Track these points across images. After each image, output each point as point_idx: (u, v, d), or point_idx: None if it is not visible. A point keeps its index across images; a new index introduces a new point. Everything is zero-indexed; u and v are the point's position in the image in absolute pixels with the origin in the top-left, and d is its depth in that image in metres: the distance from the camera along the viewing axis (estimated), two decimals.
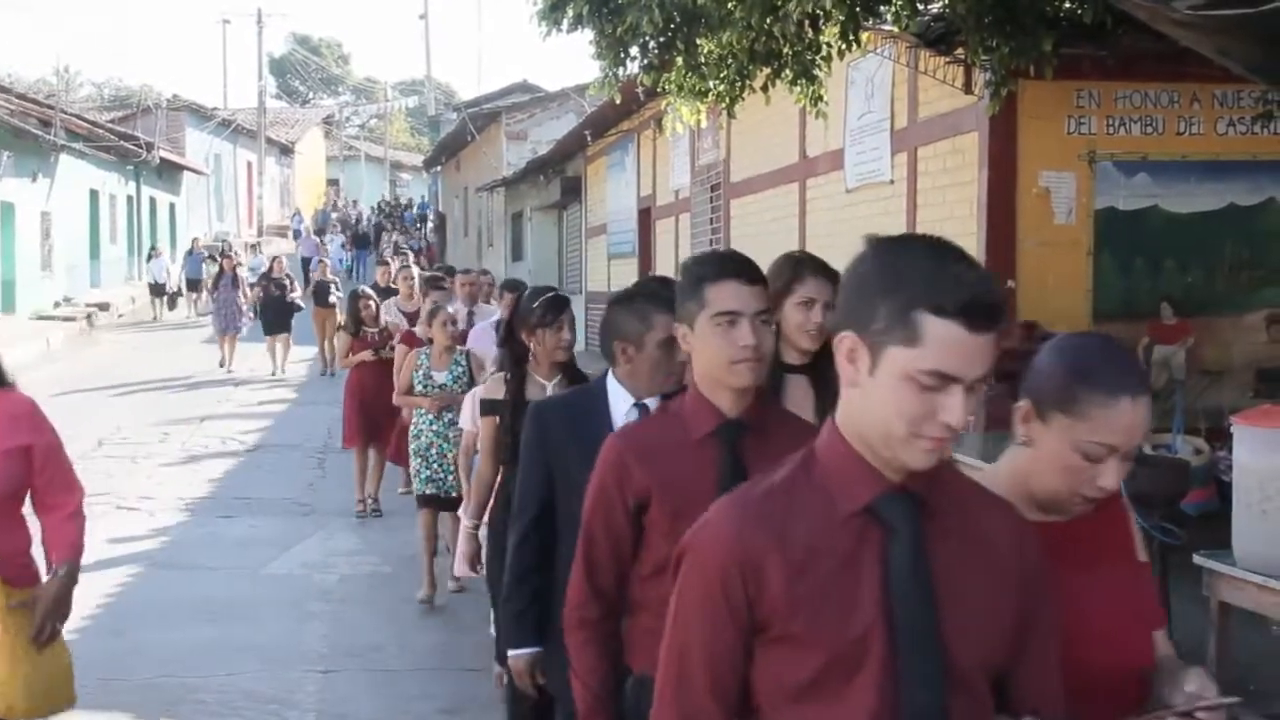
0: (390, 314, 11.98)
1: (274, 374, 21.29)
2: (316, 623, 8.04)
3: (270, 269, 23.05)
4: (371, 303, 11.47)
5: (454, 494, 8.14)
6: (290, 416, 17.18)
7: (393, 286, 14.03)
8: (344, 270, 37.41)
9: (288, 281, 22.14)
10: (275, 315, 21.68)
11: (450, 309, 9.32)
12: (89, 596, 8.41)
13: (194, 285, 31.89)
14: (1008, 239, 9.00)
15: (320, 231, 44.44)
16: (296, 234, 48.28)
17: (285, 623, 8.02)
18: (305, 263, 31.82)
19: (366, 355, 11.07)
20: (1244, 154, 9.06)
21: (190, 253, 33.36)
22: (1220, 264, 9.14)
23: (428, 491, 8.47)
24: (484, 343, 8.70)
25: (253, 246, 38.15)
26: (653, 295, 3.49)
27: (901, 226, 10.41)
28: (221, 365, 21.98)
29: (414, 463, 8.63)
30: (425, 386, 8.58)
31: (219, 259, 24.70)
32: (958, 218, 9.51)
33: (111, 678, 6.86)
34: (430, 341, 8.86)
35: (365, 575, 9.11)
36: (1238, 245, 9.13)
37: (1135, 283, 9.09)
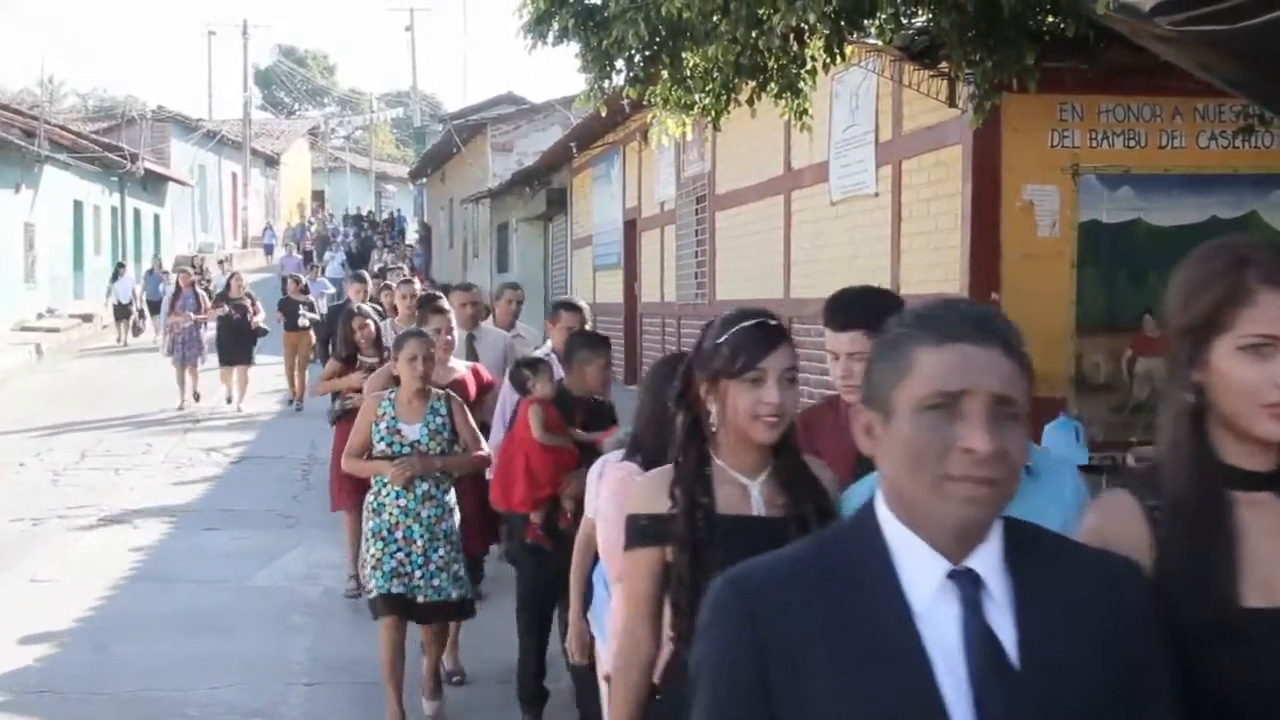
0: (390, 341, 9.67)
1: (229, 403, 18.72)
2: (300, 635, 8.02)
3: (228, 288, 19.50)
4: (370, 323, 9.30)
5: (439, 597, 6.25)
6: (274, 428, 17.14)
7: (375, 305, 12.23)
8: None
9: (248, 303, 18.78)
10: (233, 342, 18.46)
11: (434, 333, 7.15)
12: (72, 609, 8.40)
13: (155, 308, 26.90)
14: (992, 252, 9.03)
15: (304, 251, 41.89)
16: (268, 249, 48.04)
17: (269, 635, 7.99)
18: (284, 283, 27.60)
19: (354, 380, 8.83)
20: (1225, 167, 9.10)
21: (150, 272, 30.69)
22: None
23: (392, 590, 6.15)
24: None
25: (221, 263, 36.57)
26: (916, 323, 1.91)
27: (886, 239, 10.44)
28: (180, 408, 18.70)
29: (370, 549, 6.25)
30: (390, 444, 6.26)
31: (174, 274, 21.59)
32: (942, 230, 9.54)
33: (94, 691, 6.85)
34: (396, 382, 6.47)
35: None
36: None
37: (1119, 295, 9.12)
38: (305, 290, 19.64)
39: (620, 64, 7.92)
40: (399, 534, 6.18)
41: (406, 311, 9.60)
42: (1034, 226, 9.04)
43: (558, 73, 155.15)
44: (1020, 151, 8.99)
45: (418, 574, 6.17)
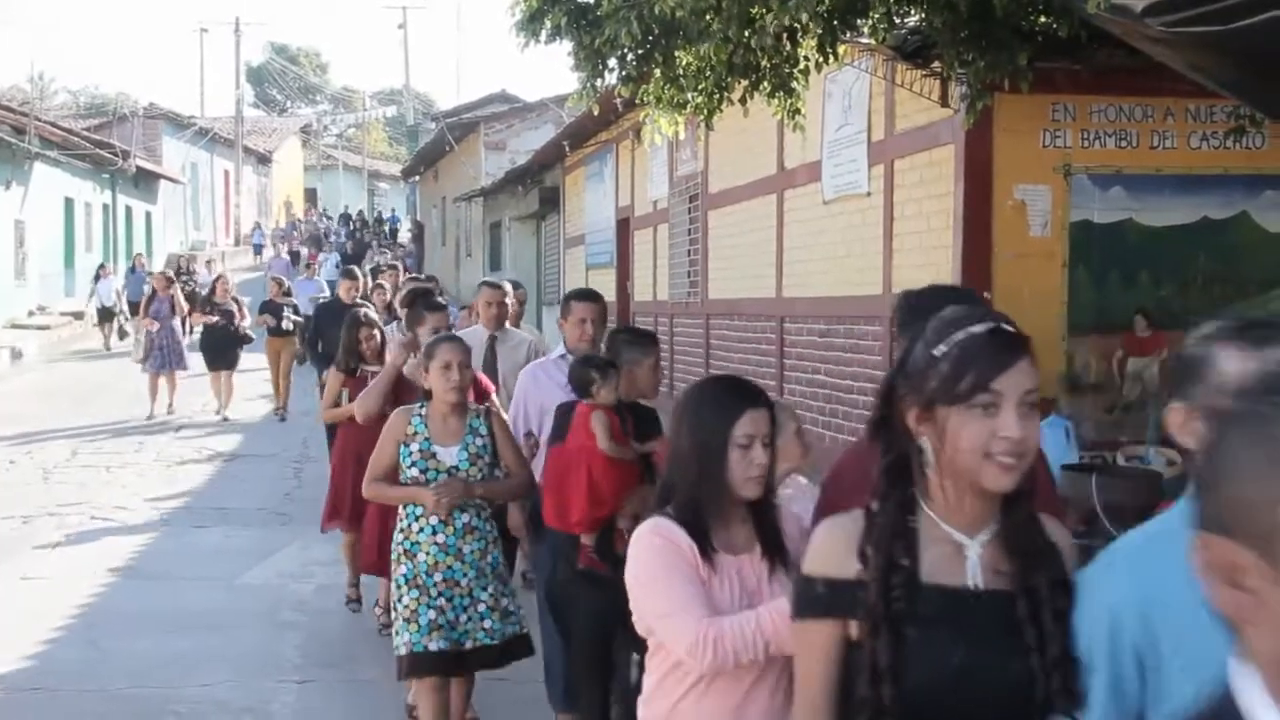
0: (394, 347, 8.29)
1: (217, 411, 17.76)
2: (292, 633, 8.02)
3: (213, 291, 18.58)
4: (376, 333, 8.40)
5: (493, 640, 5.47)
6: (266, 427, 17.13)
7: (368, 299, 12.08)
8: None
9: (234, 307, 17.93)
10: (219, 347, 17.61)
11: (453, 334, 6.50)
12: (63, 606, 8.40)
13: (138, 309, 23.52)
14: (983, 251, 9.05)
15: (292, 251, 40.11)
16: (257, 249, 47.65)
17: (261, 633, 7.99)
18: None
19: (349, 411, 7.65)
20: (1216, 168, 9.13)
21: (132, 270, 29.46)
22: (1194, 277, 9.21)
23: (430, 647, 5.31)
24: (545, 392, 6.07)
25: (209, 263, 35.01)
26: None
27: (879, 238, 10.46)
28: (149, 417, 17.43)
29: (403, 599, 5.37)
30: (424, 471, 5.37)
31: (152, 277, 20.07)
32: (934, 230, 9.56)
33: (85, 688, 6.84)
34: (427, 396, 5.54)
35: (342, 586, 9.09)
36: (1211, 258, 9.20)
37: (1110, 295, 9.15)
38: (288, 292, 18.56)
39: (613, 63, 7.93)
40: (438, 577, 5.30)
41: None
42: (1026, 226, 9.06)
43: (551, 71, 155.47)
44: (1012, 151, 9.02)
45: (464, 619, 5.34)
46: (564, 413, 5.39)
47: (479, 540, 5.42)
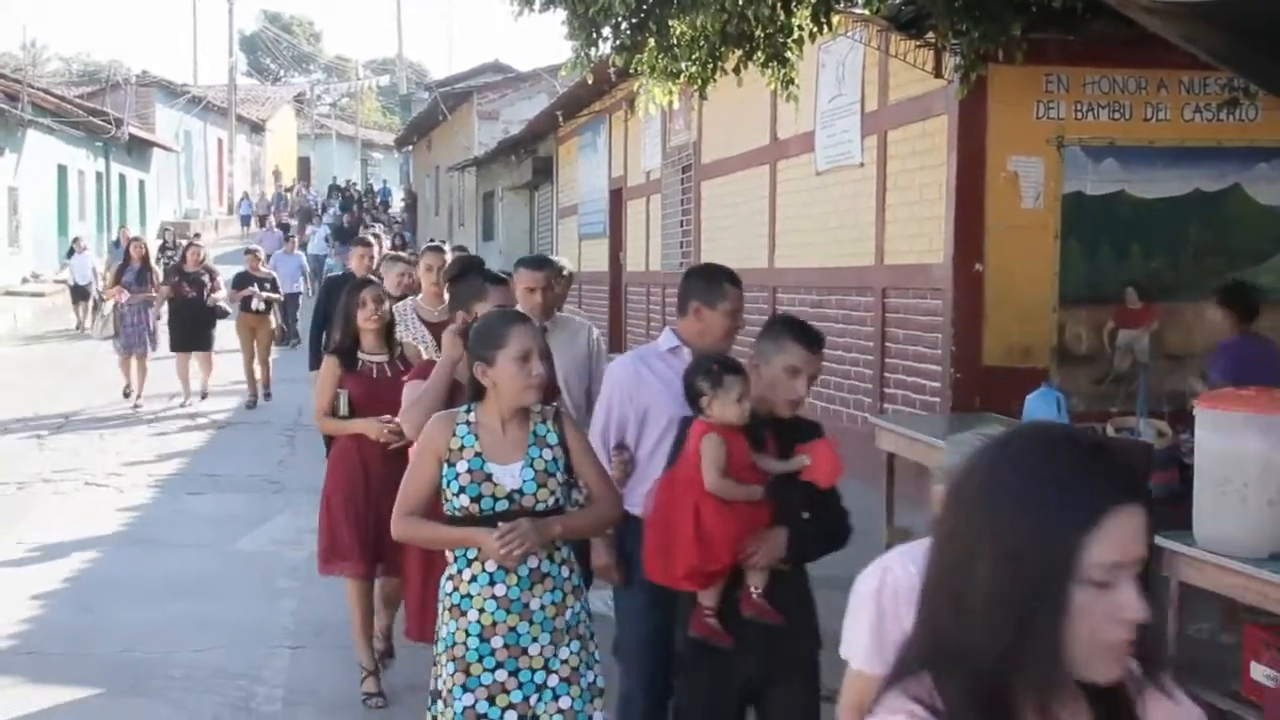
0: (408, 328, 6.87)
1: (184, 404, 15.64)
2: (285, 599, 8.05)
3: (183, 259, 16.12)
4: (383, 307, 6.26)
5: None
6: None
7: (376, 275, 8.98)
8: (329, 273, 25.27)
9: (207, 278, 15.55)
10: (189, 325, 15.35)
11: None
12: (57, 572, 8.43)
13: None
14: (976, 222, 9.07)
15: (282, 224, 37.65)
16: (244, 220, 47.16)
17: (254, 599, 8.02)
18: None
19: (370, 427, 6.03)
20: (1210, 140, 9.15)
21: (116, 244, 27.03)
22: (1185, 249, 9.23)
23: None
24: (649, 392, 4.59)
25: (197, 235, 31.87)
26: None
27: (871, 209, 10.47)
28: (127, 395, 15.89)
29: (446, 667, 3.91)
30: (475, 498, 3.87)
31: (128, 246, 17.09)
32: (926, 201, 9.57)
33: (79, 653, 6.88)
34: (478, 394, 3.99)
35: None
36: (1202, 231, 9.22)
37: (1101, 267, 9.18)
38: (267, 257, 17.02)
39: (607, 31, 7.93)
40: (497, 640, 3.86)
41: (434, 290, 7.23)
42: (1018, 198, 9.08)
43: (544, 41, 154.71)
44: (1005, 122, 9.03)
45: (534, 699, 3.88)
46: (684, 428, 4.11)
47: (553, 592, 3.93)
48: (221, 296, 15.74)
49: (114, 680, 6.50)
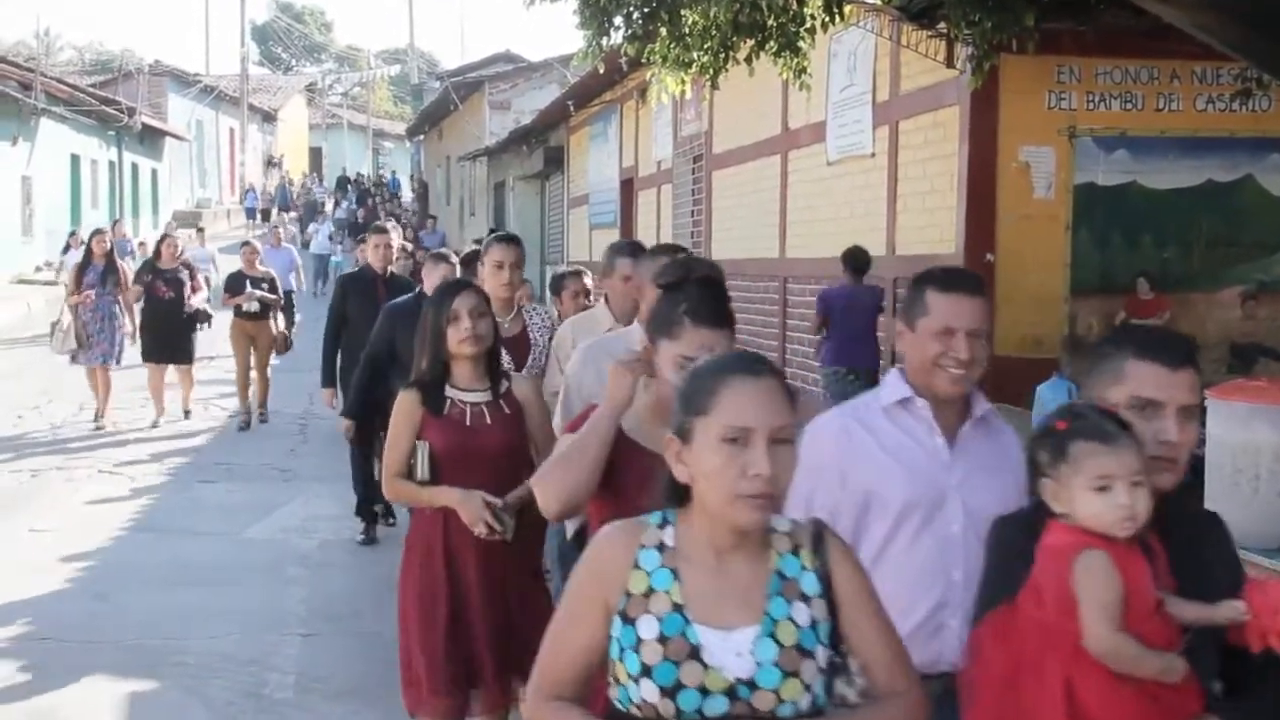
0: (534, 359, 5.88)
1: (155, 424, 13.55)
2: (296, 587, 8.08)
3: (157, 255, 13.71)
4: (488, 322, 4.53)
5: None
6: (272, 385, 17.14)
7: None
8: (338, 270, 25.02)
9: (186, 275, 13.40)
10: (165, 332, 13.19)
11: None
12: (70, 559, 8.47)
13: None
14: (987, 213, 9.06)
15: (263, 210, 36.18)
16: (249, 213, 46.29)
17: (265, 587, 8.05)
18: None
19: (459, 501, 4.33)
20: (1222, 131, 9.13)
21: (67, 248, 24.93)
22: (1197, 240, 9.22)
23: None
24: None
25: (201, 230, 29.33)
26: None
27: (882, 199, 10.46)
28: (97, 418, 13.51)
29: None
30: (670, 687, 2.22)
31: (89, 241, 14.13)
32: (938, 191, 9.56)
33: (92, 640, 6.91)
34: (678, 495, 2.35)
35: (345, 540, 9.13)
36: (1214, 221, 9.21)
37: (1113, 258, 9.17)
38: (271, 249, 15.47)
39: (619, 21, 7.93)
40: None
41: (504, 291, 5.73)
42: (1030, 188, 9.08)
43: (556, 31, 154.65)
44: (1017, 113, 9.02)
45: None
46: (1007, 533, 2.96)
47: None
48: (203, 299, 13.65)
49: (128, 666, 6.53)
